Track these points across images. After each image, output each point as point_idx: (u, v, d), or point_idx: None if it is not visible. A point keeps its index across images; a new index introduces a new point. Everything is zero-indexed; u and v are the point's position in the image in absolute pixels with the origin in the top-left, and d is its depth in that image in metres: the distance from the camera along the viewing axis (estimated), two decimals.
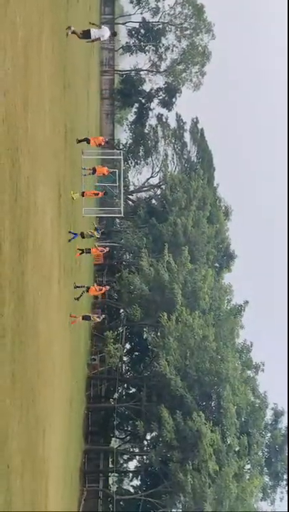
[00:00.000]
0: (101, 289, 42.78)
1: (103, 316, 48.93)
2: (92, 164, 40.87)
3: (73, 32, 27.96)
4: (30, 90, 17.12)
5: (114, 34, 39.21)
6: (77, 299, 35.45)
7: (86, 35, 28.57)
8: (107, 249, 44.50)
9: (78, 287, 35.34)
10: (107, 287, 46.43)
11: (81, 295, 36.37)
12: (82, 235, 35.19)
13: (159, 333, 53.72)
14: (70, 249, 31.36)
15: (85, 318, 38.01)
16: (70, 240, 31.02)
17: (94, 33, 28.70)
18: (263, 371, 54.80)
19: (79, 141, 34.90)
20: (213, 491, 44.18)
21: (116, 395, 60.68)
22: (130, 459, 61.74)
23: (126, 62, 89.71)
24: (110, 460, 59.39)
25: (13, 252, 15.00)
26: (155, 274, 55.41)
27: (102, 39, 29.79)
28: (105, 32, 29.42)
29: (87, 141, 36.58)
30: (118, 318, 67.03)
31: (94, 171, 39.18)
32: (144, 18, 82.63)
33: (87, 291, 38.19)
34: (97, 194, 40.26)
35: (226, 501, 44.14)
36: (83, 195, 36.81)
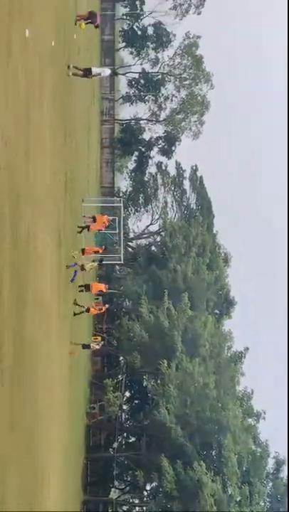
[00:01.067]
0: (101, 309, 42.42)
1: (102, 342, 48.46)
2: (93, 212, 41.10)
3: (74, 74, 28.62)
4: (32, 139, 17.35)
5: (114, 73, 40.00)
6: (77, 314, 35.31)
7: (87, 71, 29.46)
8: (106, 307, 44.77)
9: (78, 305, 35.29)
10: (107, 306, 45.70)
11: (80, 313, 36.14)
12: (83, 253, 35.43)
13: (159, 381, 53.30)
14: (69, 297, 31.35)
15: (85, 347, 37.94)
16: (72, 280, 31.10)
17: (95, 69, 29.63)
18: (264, 419, 54.27)
19: (81, 230, 35.50)
20: None
21: (115, 444, 59.95)
22: (130, 510, 60.76)
23: (126, 112, 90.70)
24: (110, 511, 58.47)
25: (12, 300, 15.03)
26: (155, 321, 55.25)
27: (102, 74, 30.65)
28: (106, 70, 30.36)
29: (88, 228, 36.97)
30: (118, 365, 66.62)
31: (94, 219, 39.30)
32: (143, 69, 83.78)
33: (88, 311, 37.83)
34: (98, 252, 40.25)
35: None
36: (83, 253, 36.84)
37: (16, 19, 15.14)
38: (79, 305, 35.58)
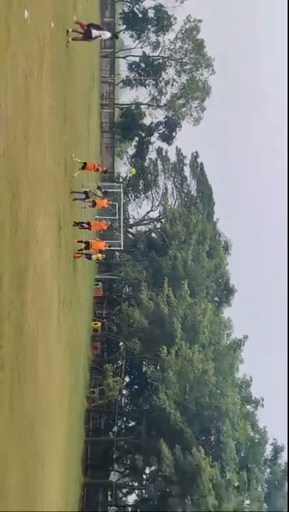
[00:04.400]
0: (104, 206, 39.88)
1: (104, 256, 44.06)
2: (92, 197, 40.84)
3: (74, 39, 28.23)
4: (31, 123, 17.23)
5: (115, 36, 39.00)
6: (77, 224, 34.21)
7: (87, 34, 28.96)
8: (108, 245, 41.97)
9: (78, 224, 34.12)
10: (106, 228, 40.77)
11: (81, 227, 34.82)
12: (87, 195, 34.86)
13: (158, 367, 53.47)
14: (69, 281, 31.31)
15: (88, 256, 36.92)
16: (74, 199, 30.62)
17: (95, 32, 29.09)
18: (262, 406, 54.47)
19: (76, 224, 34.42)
20: None
21: (115, 429, 60.26)
22: (129, 493, 61.14)
23: (126, 96, 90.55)
24: (109, 493, 58.81)
25: (13, 284, 14.97)
26: (155, 307, 55.32)
27: (102, 37, 30.15)
28: (106, 32, 29.86)
29: (88, 226, 35.78)
30: (118, 351, 66.80)
31: (94, 203, 39.05)
32: (144, 53, 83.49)
33: (87, 247, 35.95)
34: (103, 229, 39.37)
35: None
36: (90, 229, 36.36)
37: (15, 1, 15.01)
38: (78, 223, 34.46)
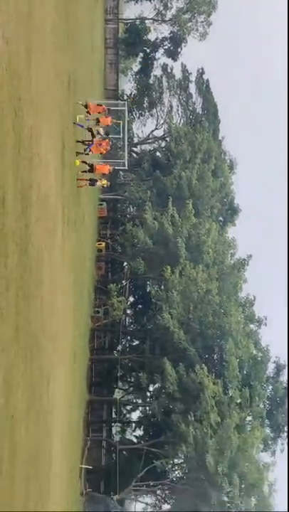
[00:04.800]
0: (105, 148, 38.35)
1: (109, 183, 41.55)
2: (96, 115, 40.13)
3: None
4: (34, 38, 16.76)
5: None
6: (84, 162, 33.94)
7: None
8: (112, 168, 40.40)
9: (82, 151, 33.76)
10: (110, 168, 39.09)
11: (86, 169, 34.37)
12: (91, 131, 34.45)
13: (162, 287, 53.71)
14: (73, 201, 31.12)
15: (92, 183, 36.92)
16: (75, 123, 30.34)
17: None
18: (265, 325, 54.90)
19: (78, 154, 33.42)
20: (215, 441, 44.62)
21: (119, 347, 61.03)
22: (133, 410, 62.36)
23: (130, 11, 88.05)
24: (113, 410, 60.06)
25: (17, 204, 14.84)
26: (159, 227, 55.22)
27: None
28: None
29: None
30: (122, 271, 67.06)
31: (97, 121, 38.28)
32: None
33: (91, 170, 35.29)
34: (102, 153, 38.56)
35: (227, 452, 44.61)
36: (94, 171, 35.62)
37: None
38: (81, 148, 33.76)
